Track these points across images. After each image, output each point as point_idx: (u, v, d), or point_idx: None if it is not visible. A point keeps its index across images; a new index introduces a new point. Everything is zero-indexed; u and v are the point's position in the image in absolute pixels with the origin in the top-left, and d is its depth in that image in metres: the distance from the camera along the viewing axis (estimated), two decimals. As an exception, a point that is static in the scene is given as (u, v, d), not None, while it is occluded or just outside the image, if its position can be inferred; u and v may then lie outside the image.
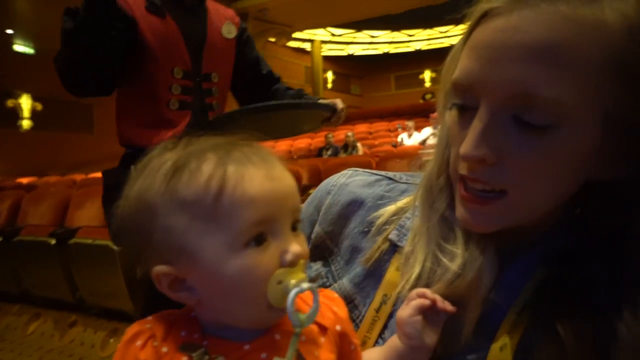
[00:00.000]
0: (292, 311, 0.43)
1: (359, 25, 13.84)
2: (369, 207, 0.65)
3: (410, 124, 8.73)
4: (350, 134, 8.37)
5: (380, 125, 11.64)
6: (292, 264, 0.46)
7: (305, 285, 0.44)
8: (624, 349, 0.43)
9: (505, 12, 0.44)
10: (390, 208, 0.63)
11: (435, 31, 15.25)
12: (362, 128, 11.31)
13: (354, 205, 0.66)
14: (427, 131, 8.47)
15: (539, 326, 0.47)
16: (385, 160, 4.98)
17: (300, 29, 13.31)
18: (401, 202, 0.63)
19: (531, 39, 0.42)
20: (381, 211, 0.63)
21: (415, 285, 0.53)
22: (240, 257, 0.44)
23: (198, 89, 1.64)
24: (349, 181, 0.70)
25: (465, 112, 0.49)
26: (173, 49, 1.56)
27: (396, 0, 10.22)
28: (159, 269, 0.45)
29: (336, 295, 0.58)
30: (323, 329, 0.51)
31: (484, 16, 0.46)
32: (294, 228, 0.48)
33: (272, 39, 12.92)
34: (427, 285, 0.53)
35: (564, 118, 0.43)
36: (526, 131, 0.45)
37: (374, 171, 0.70)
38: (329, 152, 8.59)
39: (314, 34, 14.38)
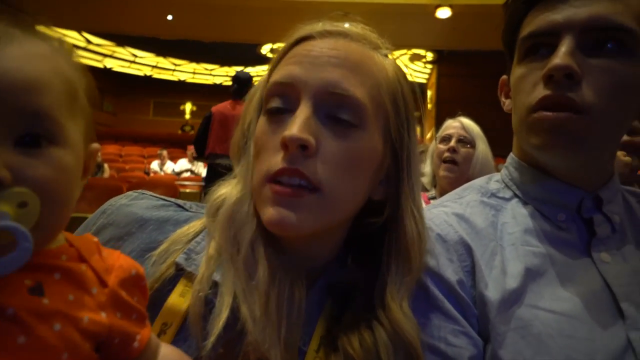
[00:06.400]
0: None
1: (120, 40, 12.82)
2: (151, 230, 0.59)
3: (164, 152, 8.46)
4: (97, 153, 7.44)
5: (133, 150, 10.86)
6: None
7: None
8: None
9: (318, 36, 0.57)
10: (176, 233, 0.59)
11: (201, 67, 15.51)
12: (111, 149, 10.30)
13: (133, 226, 0.59)
14: (183, 162, 8.35)
15: (332, 355, 0.52)
16: (137, 186, 4.64)
17: (46, 25, 11.38)
18: (185, 229, 0.60)
19: (344, 54, 0.55)
20: (165, 236, 0.58)
21: (221, 336, 0.49)
22: None
23: None
24: (132, 203, 0.62)
25: (279, 115, 0.55)
26: None
27: (164, 26, 9.98)
28: None
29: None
30: (102, 281, 0.42)
31: (300, 41, 0.58)
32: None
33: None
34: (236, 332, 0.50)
35: (366, 122, 0.55)
36: (338, 126, 0.54)
37: (163, 197, 0.65)
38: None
39: (65, 35, 12.53)
